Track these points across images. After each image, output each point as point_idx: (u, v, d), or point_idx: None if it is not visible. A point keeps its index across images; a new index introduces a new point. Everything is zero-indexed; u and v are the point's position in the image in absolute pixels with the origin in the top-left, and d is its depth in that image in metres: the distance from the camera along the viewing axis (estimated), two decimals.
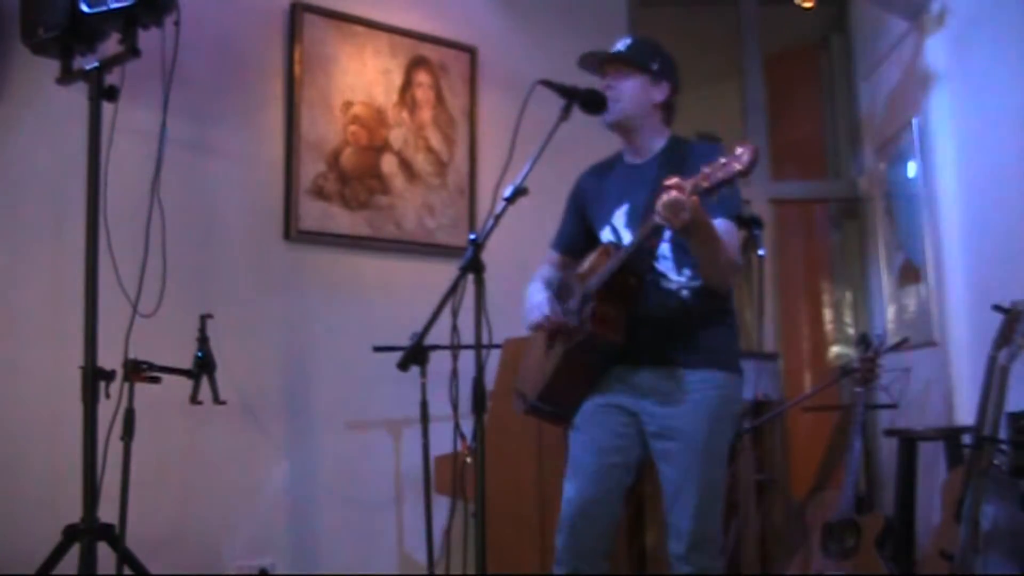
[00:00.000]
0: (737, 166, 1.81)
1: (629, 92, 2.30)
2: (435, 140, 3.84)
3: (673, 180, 1.90)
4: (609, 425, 2.27)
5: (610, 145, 2.47)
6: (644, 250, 2.19)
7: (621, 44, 2.36)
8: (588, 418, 2.31)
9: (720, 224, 2.13)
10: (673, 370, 2.22)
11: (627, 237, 2.29)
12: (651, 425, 2.23)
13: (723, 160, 1.85)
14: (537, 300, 2.31)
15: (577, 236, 2.50)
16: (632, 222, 2.29)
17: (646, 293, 2.22)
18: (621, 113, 2.31)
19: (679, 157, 2.27)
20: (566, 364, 2.23)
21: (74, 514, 2.38)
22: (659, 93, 2.35)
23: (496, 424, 2.88)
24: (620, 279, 2.16)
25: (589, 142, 2.47)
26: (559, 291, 2.38)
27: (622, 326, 2.18)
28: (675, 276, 2.24)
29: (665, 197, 1.89)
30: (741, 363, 2.34)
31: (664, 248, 2.24)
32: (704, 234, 2.05)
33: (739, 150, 1.82)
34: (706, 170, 1.87)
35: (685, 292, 2.24)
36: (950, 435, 3.24)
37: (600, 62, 2.36)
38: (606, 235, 2.36)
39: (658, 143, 2.36)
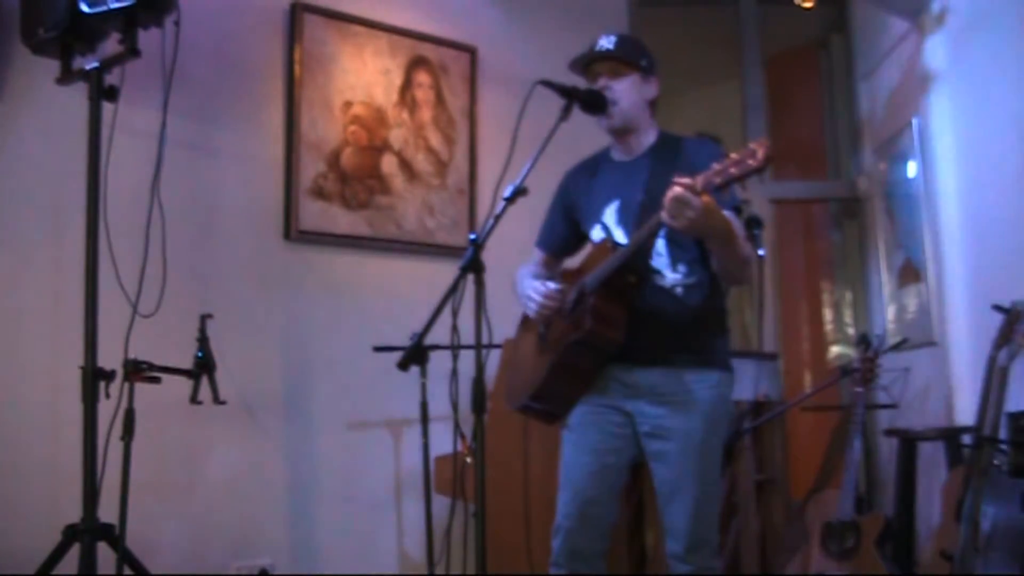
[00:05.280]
0: (752, 163, 1.75)
1: (626, 92, 2.27)
2: (435, 140, 3.84)
3: (684, 179, 1.86)
4: (603, 425, 2.25)
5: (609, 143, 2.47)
6: (642, 247, 2.17)
7: (607, 42, 2.30)
8: (582, 419, 2.28)
9: (728, 216, 2.10)
10: (669, 369, 2.19)
11: (619, 234, 2.26)
12: (645, 425, 2.21)
13: (736, 156, 1.79)
14: (532, 285, 2.26)
15: (564, 235, 2.48)
16: (624, 219, 2.27)
17: (641, 292, 2.19)
18: (622, 115, 2.28)
19: (671, 153, 2.26)
20: (562, 363, 2.20)
21: (74, 514, 2.38)
22: (650, 90, 2.33)
23: (496, 424, 2.88)
24: (620, 277, 2.14)
25: (589, 142, 2.47)
26: None
27: (622, 324, 2.15)
28: (670, 273, 2.22)
29: (676, 192, 1.86)
30: (734, 362, 2.31)
31: (659, 245, 2.22)
32: (721, 233, 2.02)
33: (753, 146, 1.76)
34: (717, 166, 1.82)
35: (680, 290, 2.22)
36: (950, 435, 3.24)
37: (590, 62, 2.31)
38: (596, 233, 2.34)
39: (648, 140, 2.34)
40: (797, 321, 4.85)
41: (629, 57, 2.29)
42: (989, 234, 3.27)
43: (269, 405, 3.35)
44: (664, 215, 1.90)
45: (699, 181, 1.85)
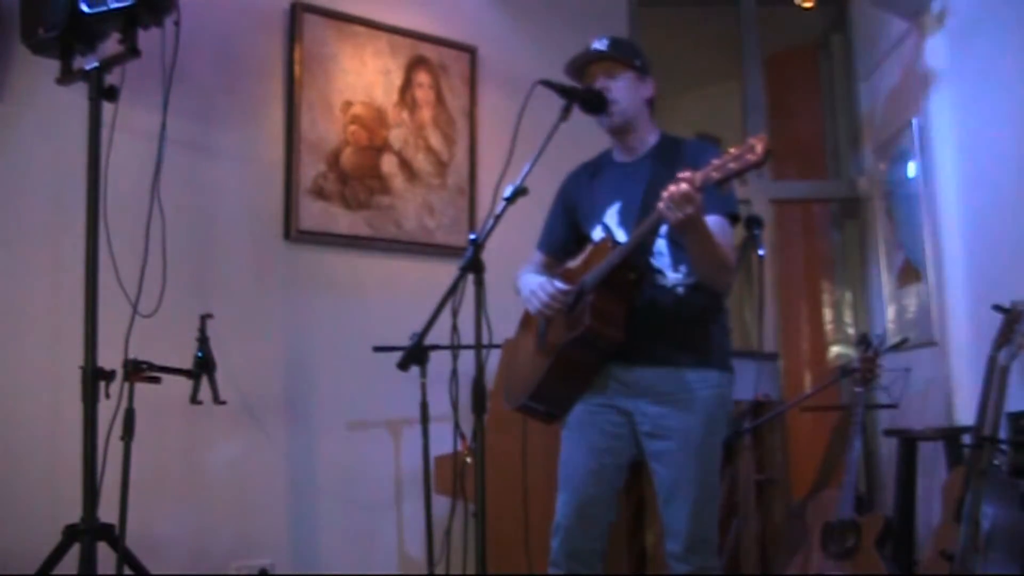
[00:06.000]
0: (751, 157, 1.76)
1: (624, 91, 2.27)
2: (435, 140, 3.84)
3: (684, 173, 1.86)
4: (602, 425, 2.24)
5: (610, 145, 2.47)
6: (641, 246, 2.16)
7: (599, 44, 2.30)
8: (581, 418, 2.27)
9: (714, 221, 2.10)
10: (669, 369, 2.19)
11: (620, 235, 2.26)
12: (644, 425, 2.21)
13: (734, 151, 1.80)
14: (538, 281, 2.25)
15: (566, 237, 2.47)
16: (625, 220, 2.26)
17: (641, 290, 2.19)
18: (622, 114, 2.28)
19: (672, 154, 2.26)
20: (561, 361, 2.19)
21: (74, 514, 2.39)
22: (647, 89, 2.34)
23: (496, 424, 2.88)
24: (619, 274, 2.13)
25: (589, 142, 2.47)
26: None
27: (621, 322, 2.14)
28: (671, 273, 2.22)
29: (673, 188, 1.87)
30: (735, 362, 2.31)
31: (660, 244, 2.22)
32: (700, 233, 2.02)
33: (752, 141, 1.77)
34: (717, 162, 1.83)
35: (680, 289, 2.21)
36: (950, 435, 3.24)
37: (585, 64, 2.30)
38: (597, 234, 2.33)
39: (650, 141, 2.34)
40: (797, 321, 4.84)
41: (623, 56, 2.29)
42: (989, 234, 3.27)
43: (269, 405, 3.35)
44: (661, 207, 1.90)
45: (698, 177, 1.86)
